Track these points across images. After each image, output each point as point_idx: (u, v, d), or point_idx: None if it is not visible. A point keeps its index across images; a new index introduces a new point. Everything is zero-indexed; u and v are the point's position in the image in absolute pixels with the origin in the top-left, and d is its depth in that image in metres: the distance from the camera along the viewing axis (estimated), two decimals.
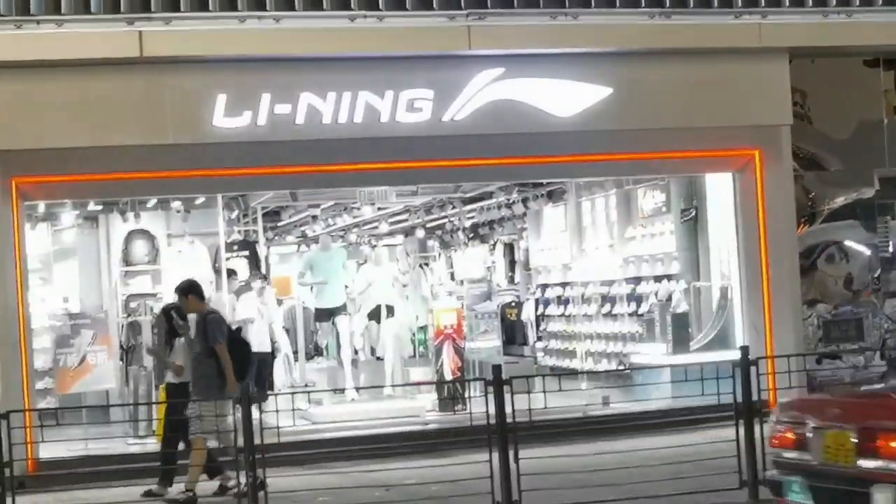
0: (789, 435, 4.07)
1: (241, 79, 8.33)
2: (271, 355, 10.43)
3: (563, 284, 12.18)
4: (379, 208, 12.51)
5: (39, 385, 9.16)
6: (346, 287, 10.85)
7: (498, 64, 8.53)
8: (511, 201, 11.84)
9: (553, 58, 8.78)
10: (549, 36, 8.60)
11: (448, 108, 8.43)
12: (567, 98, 8.62)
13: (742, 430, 5.95)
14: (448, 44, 8.56)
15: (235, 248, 11.16)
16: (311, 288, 11.00)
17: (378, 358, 10.97)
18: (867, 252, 10.17)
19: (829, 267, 10.26)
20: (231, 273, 10.76)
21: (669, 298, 10.10)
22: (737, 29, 8.85)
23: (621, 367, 10.38)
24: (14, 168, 7.99)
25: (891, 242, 10.36)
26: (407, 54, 8.59)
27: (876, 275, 10.31)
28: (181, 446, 7.04)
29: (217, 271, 10.71)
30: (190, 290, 7.29)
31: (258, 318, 10.04)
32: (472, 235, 14.35)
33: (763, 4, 8.80)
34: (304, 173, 8.99)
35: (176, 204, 10.76)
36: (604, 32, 8.65)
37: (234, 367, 6.85)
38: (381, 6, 8.25)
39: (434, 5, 8.33)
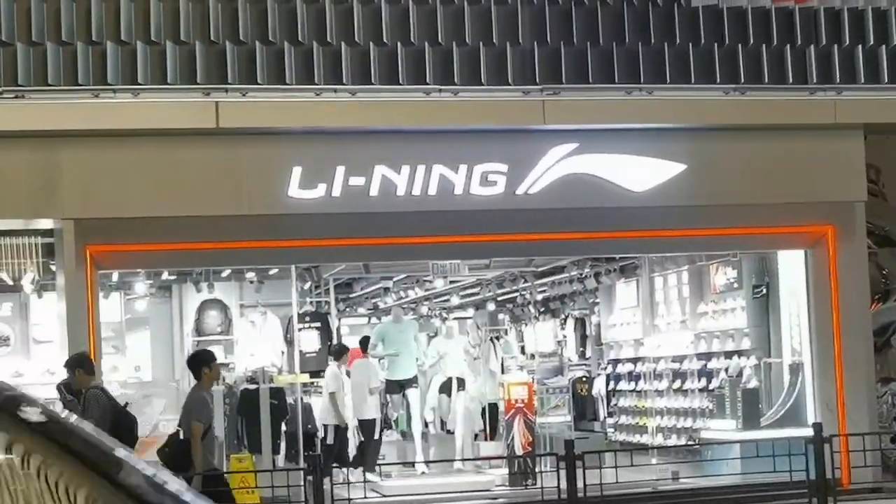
0: None
1: (317, 151, 8.33)
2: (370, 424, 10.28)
3: (635, 360, 11.86)
4: (451, 281, 12.55)
5: None
6: (418, 360, 10.81)
7: (572, 139, 8.41)
8: (583, 275, 11.71)
9: (627, 133, 8.65)
10: (624, 111, 8.51)
11: (522, 182, 8.32)
12: (641, 173, 8.48)
13: None
14: (523, 118, 8.51)
15: (307, 319, 11.07)
16: (383, 360, 10.89)
17: (448, 431, 10.77)
18: None
19: None
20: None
21: (740, 374, 9.78)
22: (812, 105, 8.71)
23: (691, 443, 9.99)
24: (89, 237, 7.91)
25: None
26: (481, 128, 8.55)
27: None
28: None
29: (289, 342, 10.64)
30: (77, 363, 7.04)
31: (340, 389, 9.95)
32: (543, 309, 14.32)
33: (838, 81, 8.66)
34: (378, 245, 8.88)
35: (250, 274, 10.80)
36: (679, 108, 8.56)
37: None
38: (456, 80, 8.22)
39: (509, 80, 8.28)
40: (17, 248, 8.13)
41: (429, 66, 8.16)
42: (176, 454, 6.68)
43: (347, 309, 14.76)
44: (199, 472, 6.41)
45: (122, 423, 6.87)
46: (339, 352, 10.24)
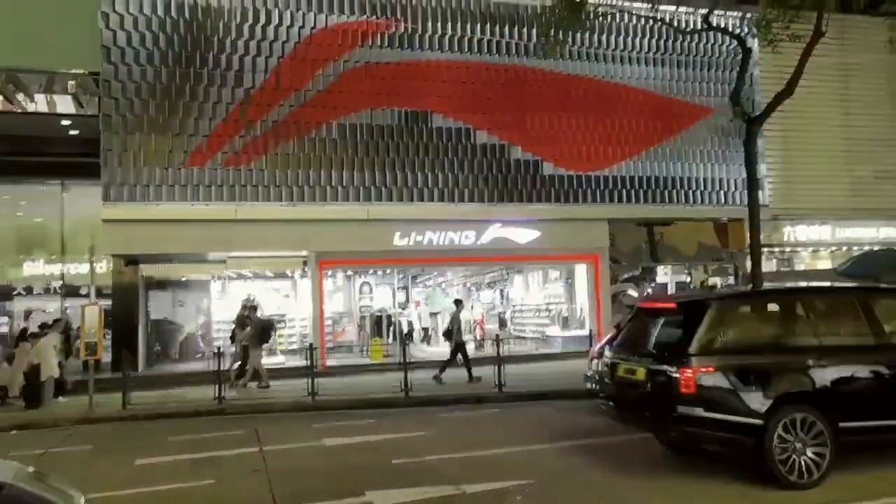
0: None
1: (412, 227, 21.10)
2: None
3: (523, 307, 25.79)
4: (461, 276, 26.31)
5: None
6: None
7: (497, 222, 21.45)
8: (505, 274, 25.81)
9: (520, 221, 21.89)
10: (521, 212, 21.79)
11: (480, 238, 21.36)
12: (523, 235, 21.70)
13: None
14: (481, 214, 21.69)
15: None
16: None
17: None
18: (636, 294, 23.59)
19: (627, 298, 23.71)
20: None
21: (560, 312, 23.54)
22: (594, 210, 22.40)
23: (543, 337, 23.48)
24: (322, 258, 20.17)
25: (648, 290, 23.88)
26: (463, 219, 21.58)
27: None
28: None
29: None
30: (252, 308, 18.29)
31: None
32: (489, 286, 28.31)
33: (608, 200, 22.38)
34: (428, 262, 22.02)
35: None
36: (523, 212, 22.09)
37: None
38: (455, 198, 21.22)
39: (474, 198, 21.42)
40: (289, 261, 20.39)
41: (441, 190, 20.89)
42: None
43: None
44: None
45: (266, 327, 18.09)
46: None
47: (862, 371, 7.56)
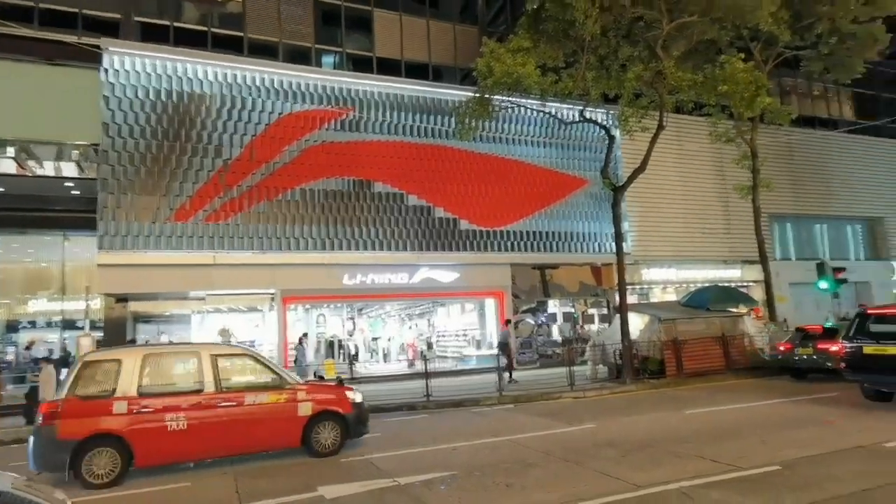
0: None
1: (360, 271, 21.16)
2: None
3: (445, 332, 26.00)
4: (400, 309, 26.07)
5: None
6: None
7: (424, 267, 21.92)
8: (430, 306, 25.90)
9: (442, 265, 22.41)
10: (446, 258, 22.30)
11: (412, 279, 21.70)
12: (445, 275, 22.26)
13: None
14: (412, 260, 22.05)
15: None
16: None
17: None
18: (532, 322, 24.35)
19: (524, 325, 24.43)
20: None
21: (475, 337, 23.97)
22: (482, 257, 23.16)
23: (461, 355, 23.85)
24: (286, 295, 19.99)
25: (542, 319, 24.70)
26: (401, 263, 21.92)
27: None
28: None
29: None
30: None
31: None
32: (420, 315, 28.29)
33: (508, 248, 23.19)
34: (370, 298, 22.08)
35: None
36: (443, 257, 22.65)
37: None
38: (392, 248, 21.56)
39: (408, 247, 21.82)
40: (259, 297, 20.12)
41: (381, 241, 21.24)
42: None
43: None
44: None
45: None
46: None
47: None
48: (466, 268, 21.72)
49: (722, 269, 25.82)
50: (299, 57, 21.19)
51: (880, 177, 30.80)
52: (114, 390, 7.99)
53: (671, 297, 24.80)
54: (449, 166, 21.97)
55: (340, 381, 11.14)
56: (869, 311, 11.40)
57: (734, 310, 18.35)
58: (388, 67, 22.49)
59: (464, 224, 21.97)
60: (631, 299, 22.27)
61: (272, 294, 19.63)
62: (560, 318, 24.10)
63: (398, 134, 21.57)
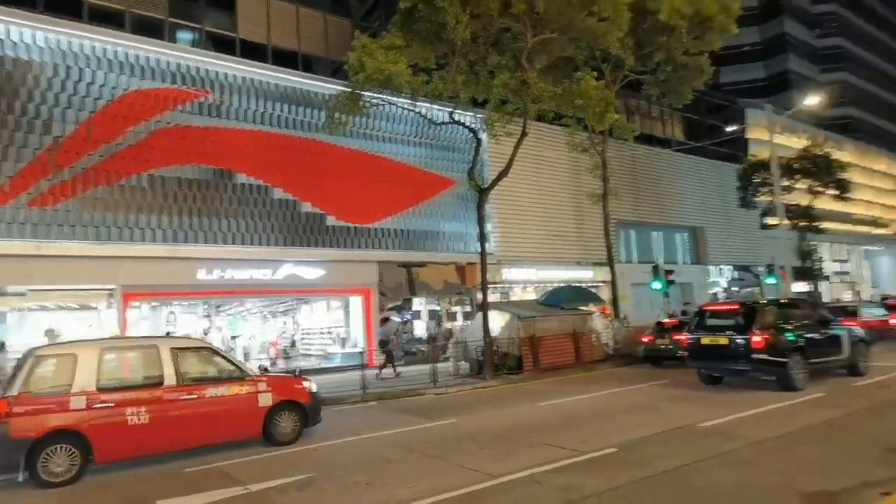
0: None
1: (220, 264, 19.08)
2: None
3: (309, 330, 24.43)
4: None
5: None
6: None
7: (287, 263, 20.47)
8: (295, 303, 24.16)
9: (303, 261, 21.04)
10: (303, 255, 20.91)
11: (275, 274, 20.13)
12: (310, 272, 20.89)
13: None
14: (278, 255, 20.40)
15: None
16: None
17: None
18: (398, 319, 23.82)
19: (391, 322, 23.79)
20: None
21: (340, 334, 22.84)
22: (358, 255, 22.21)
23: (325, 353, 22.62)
24: (128, 291, 17.49)
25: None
26: (268, 258, 20.14)
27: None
28: None
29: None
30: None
31: None
32: (284, 313, 26.24)
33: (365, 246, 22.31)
34: (228, 294, 19.95)
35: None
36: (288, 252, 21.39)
37: None
38: (254, 242, 19.77)
39: (269, 243, 20.15)
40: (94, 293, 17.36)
41: (242, 235, 19.45)
42: None
43: None
44: None
45: None
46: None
47: None
48: (333, 265, 20.59)
49: (576, 270, 27.01)
50: (150, 29, 18.68)
51: (703, 191, 34.17)
52: (71, 385, 7.60)
53: (531, 296, 25.45)
54: (317, 160, 20.67)
55: (296, 373, 11.15)
56: (706, 308, 12.90)
57: (584, 308, 19.07)
58: (254, 51, 20.63)
59: (331, 220, 20.81)
60: (493, 298, 22.53)
61: (111, 290, 17.13)
62: (425, 316, 23.73)
63: (264, 123, 19.88)
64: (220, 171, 18.82)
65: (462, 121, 18.01)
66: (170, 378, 8.10)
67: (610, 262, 21.53)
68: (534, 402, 11.66)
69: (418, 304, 23.97)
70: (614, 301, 21.12)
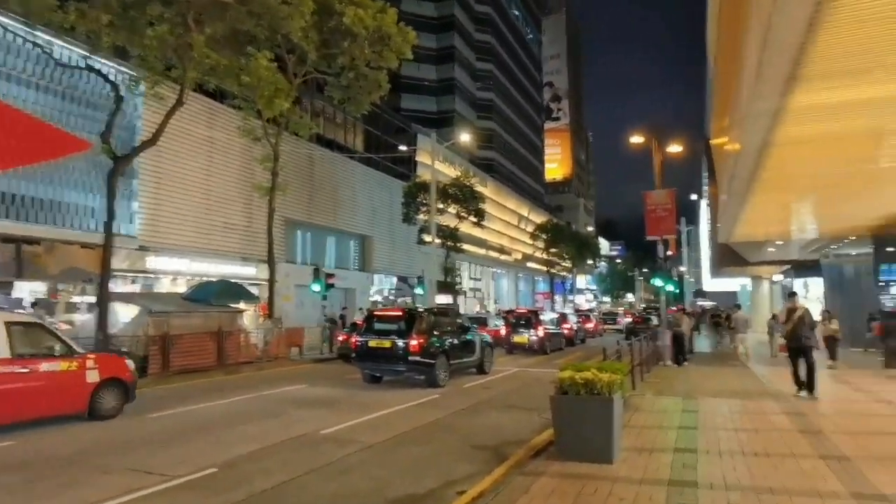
0: None
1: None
2: None
3: None
4: None
5: None
6: None
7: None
8: None
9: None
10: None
11: None
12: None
13: None
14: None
15: None
16: None
17: None
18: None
19: None
20: None
21: None
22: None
23: None
24: None
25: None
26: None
27: None
28: None
29: None
30: None
31: None
32: None
33: None
34: None
35: None
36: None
37: None
38: None
39: None
40: None
41: None
42: None
43: None
44: None
45: None
46: None
47: None
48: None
49: (240, 266, 25.04)
50: None
51: (374, 203, 36.06)
52: None
53: (182, 289, 22.54)
54: None
55: (122, 352, 10.99)
56: (375, 313, 13.56)
57: (235, 306, 17.55)
58: None
59: None
60: (133, 289, 19.13)
61: None
62: (28, 303, 18.71)
63: None
64: None
65: (101, 70, 14.62)
66: (3, 351, 8.00)
67: (270, 260, 20.34)
68: (141, 414, 9.73)
69: (27, 289, 18.83)
70: (270, 300, 20.02)
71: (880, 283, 16.51)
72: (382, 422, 9.16)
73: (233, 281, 20.86)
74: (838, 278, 22.74)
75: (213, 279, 21.83)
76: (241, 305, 17.99)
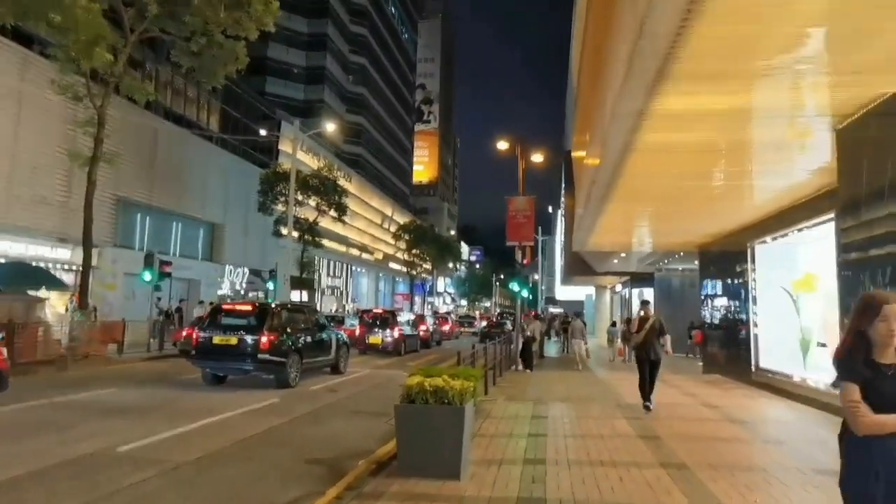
0: None
1: None
2: None
3: None
4: None
5: None
6: None
7: None
8: None
9: None
10: None
11: None
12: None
13: None
14: None
15: None
16: None
17: None
18: None
19: None
20: None
21: None
22: None
23: None
24: None
25: None
26: None
27: None
28: None
29: None
30: None
31: None
32: None
33: None
34: None
35: None
36: None
37: None
38: None
39: None
40: None
41: None
42: None
43: None
44: None
45: None
46: None
47: None
48: None
49: (52, 247, 21.22)
50: None
51: (228, 189, 33.03)
52: None
53: None
54: None
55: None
56: (223, 307, 12.39)
57: (34, 294, 14.63)
58: None
59: None
60: None
61: None
62: None
63: None
64: None
65: None
66: None
67: (86, 240, 17.09)
68: None
69: None
70: (84, 287, 16.94)
71: (702, 297, 18.11)
72: (201, 434, 7.78)
73: (34, 264, 17.53)
74: (668, 290, 24.98)
75: (14, 261, 18.26)
76: (43, 293, 15.04)
